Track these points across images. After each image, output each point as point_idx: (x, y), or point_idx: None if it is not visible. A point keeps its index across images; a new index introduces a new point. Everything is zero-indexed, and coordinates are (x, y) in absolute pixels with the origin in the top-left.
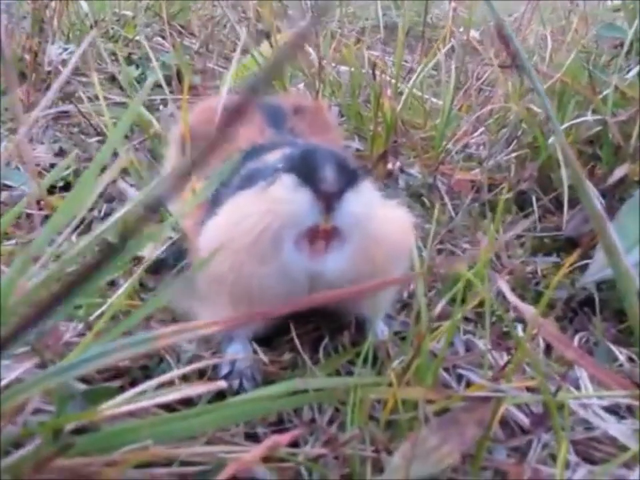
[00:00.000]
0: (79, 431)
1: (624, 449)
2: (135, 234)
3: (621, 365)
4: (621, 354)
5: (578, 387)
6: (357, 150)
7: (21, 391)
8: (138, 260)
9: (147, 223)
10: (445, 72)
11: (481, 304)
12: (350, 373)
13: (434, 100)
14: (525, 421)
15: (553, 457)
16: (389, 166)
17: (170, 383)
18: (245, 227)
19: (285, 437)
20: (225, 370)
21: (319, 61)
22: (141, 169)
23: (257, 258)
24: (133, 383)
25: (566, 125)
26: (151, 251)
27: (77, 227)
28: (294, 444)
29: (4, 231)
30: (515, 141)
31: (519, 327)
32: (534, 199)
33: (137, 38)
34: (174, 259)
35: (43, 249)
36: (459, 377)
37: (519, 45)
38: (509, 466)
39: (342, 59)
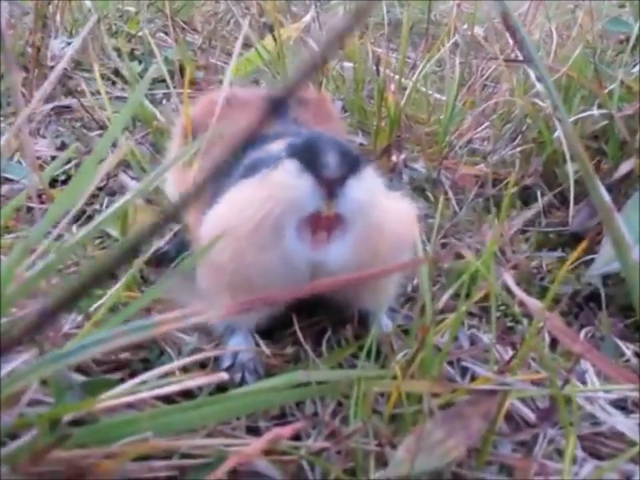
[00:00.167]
0: (77, 423)
1: (631, 444)
2: (151, 238)
3: (627, 360)
4: (628, 349)
5: (584, 382)
6: (361, 144)
7: (18, 378)
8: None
9: (164, 229)
10: (450, 67)
11: (486, 298)
12: (353, 367)
13: (438, 96)
14: (530, 415)
15: (559, 452)
16: (393, 160)
17: (170, 375)
18: (246, 214)
19: (287, 430)
20: (226, 362)
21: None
22: (143, 162)
23: (258, 246)
24: (133, 376)
25: (571, 119)
26: (149, 244)
27: (78, 219)
28: (296, 438)
29: (4, 224)
30: (519, 136)
31: (525, 322)
32: (539, 193)
33: (140, 34)
34: (176, 252)
35: (40, 239)
36: (464, 371)
37: (525, 34)
38: (514, 461)
39: (346, 55)
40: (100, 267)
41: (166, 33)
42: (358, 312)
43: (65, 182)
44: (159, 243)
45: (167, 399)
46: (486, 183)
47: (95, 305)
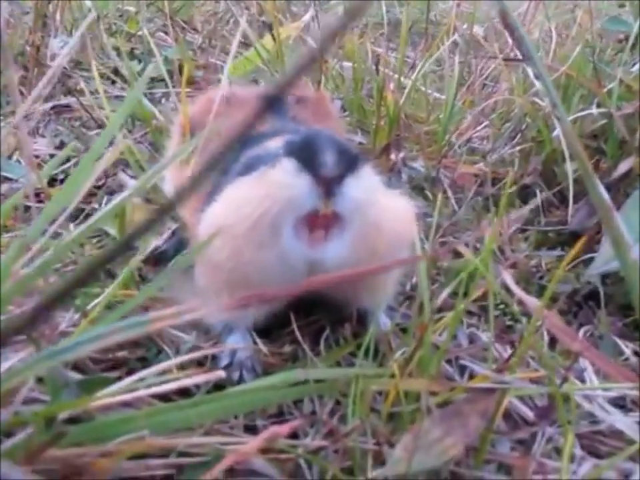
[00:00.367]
0: (72, 421)
1: (630, 442)
2: (144, 235)
3: (626, 359)
4: (627, 348)
5: (583, 380)
6: (360, 143)
7: (13, 374)
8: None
9: (157, 224)
10: (449, 67)
11: (485, 297)
12: (351, 365)
13: (437, 95)
14: (529, 414)
15: (558, 451)
16: (392, 159)
17: (168, 373)
18: (243, 212)
19: (284, 428)
20: (224, 361)
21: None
22: (141, 160)
23: (256, 244)
24: (130, 374)
25: (571, 117)
26: (146, 242)
27: (77, 218)
28: (294, 436)
29: (3, 223)
30: (518, 135)
31: (524, 321)
32: (538, 192)
33: (140, 33)
34: (174, 251)
35: (37, 237)
36: (462, 369)
37: (523, 32)
38: (513, 459)
39: (345, 55)
40: (94, 261)
41: (166, 33)
42: (356, 311)
43: (63, 181)
44: (157, 242)
45: (164, 398)
46: (485, 181)
47: (92, 304)
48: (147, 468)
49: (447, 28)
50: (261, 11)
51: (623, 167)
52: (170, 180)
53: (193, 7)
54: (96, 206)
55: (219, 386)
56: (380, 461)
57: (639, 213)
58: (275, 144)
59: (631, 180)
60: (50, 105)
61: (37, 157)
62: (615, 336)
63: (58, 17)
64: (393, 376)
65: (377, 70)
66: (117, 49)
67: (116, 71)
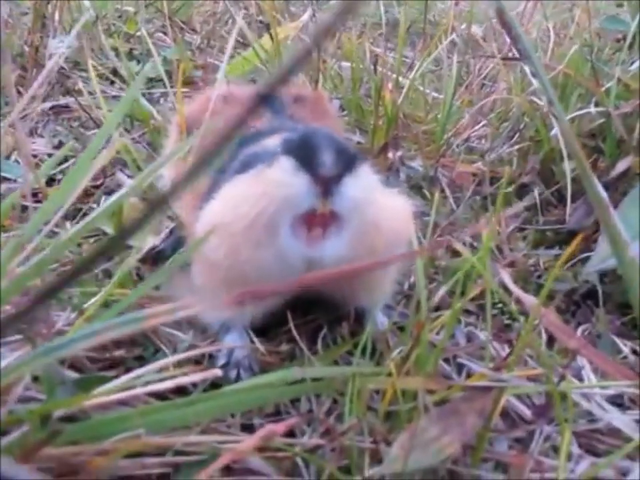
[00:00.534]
0: (68, 420)
1: (628, 440)
2: (137, 230)
3: (625, 357)
4: (625, 346)
5: (581, 379)
6: (358, 143)
7: (9, 371)
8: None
9: (150, 220)
10: (447, 66)
11: (483, 296)
12: (349, 364)
13: (435, 94)
14: (526, 412)
15: (556, 449)
16: (390, 158)
17: (164, 371)
18: (241, 211)
19: (280, 426)
20: (221, 360)
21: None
22: (139, 160)
23: (253, 242)
24: (127, 374)
25: (569, 116)
26: (142, 241)
27: (75, 217)
28: (291, 435)
29: (1, 222)
30: (517, 134)
31: (522, 320)
32: (536, 191)
33: (139, 33)
34: (172, 250)
35: (33, 235)
36: (460, 368)
37: (520, 30)
38: (510, 457)
39: (344, 55)
40: (88, 256)
41: (164, 33)
42: (354, 310)
43: (61, 181)
44: (155, 241)
45: (161, 396)
46: (483, 181)
47: (89, 303)
48: (143, 466)
49: (445, 28)
50: (259, 11)
51: (621, 165)
52: (168, 178)
53: (192, 8)
54: (94, 206)
55: (215, 385)
56: (377, 459)
57: (638, 210)
58: (273, 142)
59: (629, 179)
60: (48, 105)
61: (35, 156)
62: (613, 334)
63: (57, 17)
64: (390, 374)
65: (375, 70)
66: (115, 50)
67: (115, 72)
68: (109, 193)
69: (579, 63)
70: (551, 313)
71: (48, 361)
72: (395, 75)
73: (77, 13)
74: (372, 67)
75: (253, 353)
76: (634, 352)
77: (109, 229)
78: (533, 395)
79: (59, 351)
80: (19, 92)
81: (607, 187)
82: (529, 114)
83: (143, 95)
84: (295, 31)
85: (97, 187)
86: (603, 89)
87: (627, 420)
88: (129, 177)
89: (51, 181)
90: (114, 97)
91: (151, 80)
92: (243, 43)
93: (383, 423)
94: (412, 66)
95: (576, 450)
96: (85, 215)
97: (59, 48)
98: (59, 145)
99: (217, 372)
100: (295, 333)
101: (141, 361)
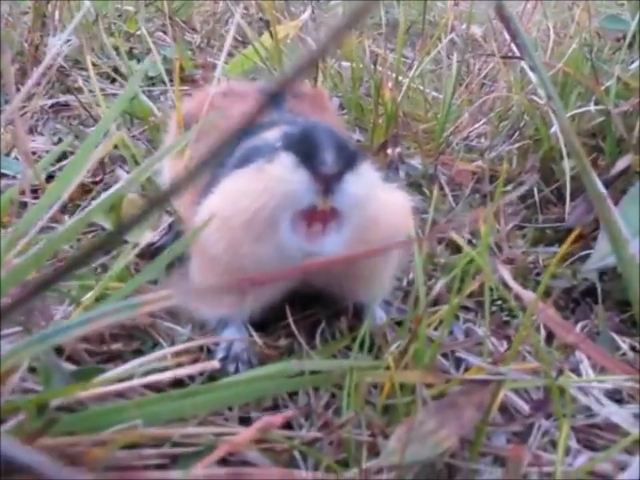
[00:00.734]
0: (65, 411)
1: (625, 434)
2: (135, 225)
3: (624, 354)
4: (624, 343)
5: (579, 374)
6: (358, 141)
7: (5, 358)
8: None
9: (148, 216)
10: (447, 65)
11: (481, 293)
12: (347, 359)
13: (435, 94)
14: (524, 407)
15: (554, 444)
16: (389, 154)
17: (162, 360)
18: (240, 205)
19: (277, 418)
20: (220, 354)
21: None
22: (138, 156)
23: (253, 237)
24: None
25: (568, 114)
26: (139, 236)
27: (73, 213)
28: (289, 428)
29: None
30: (516, 133)
31: (520, 316)
32: (535, 190)
33: (139, 33)
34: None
35: (29, 229)
36: (458, 363)
37: (519, 24)
38: (508, 451)
39: (344, 54)
40: (85, 249)
41: (164, 32)
42: (352, 305)
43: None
44: (153, 237)
45: (158, 389)
46: (483, 179)
47: (87, 296)
48: (140, 457)
49: (445, 23)
50: (259, 10)
51: (621, 164)
52: (167, 172)
53: (192, 7)
54: (93, 202)
55: (213, 379)
56: (375, 452)
57: (637, 208)
58: (273, 135)
59: (629, 177)
60: (48, 102)
61: (34, 153)
62: (612, 331)
63: (57, 16)
64: (388, 368)
65: (375, 69)
66: (116, 49)
67: (116, 69)
68: (108, 189)
69: (579, 62)
70: (548, 308)
71: (43, 347)
72: (394, 74)
73: (77, 12)
74: (372, 66)
75: (251, 347)
76: (633, 349)
77: (108, 225)
78: (531, 389)
79: (54, 337)
80: (18, 90)
81: (606, 185)
82: (529, 112)
83: (143, 93)
84: (295, 30)
85: (96, 184)
86: (603, 87)
87: (625, 414)
88: (128, 173)
89: (50, 178)
90: (114, 95)
91: (151, 78)
92: (242, 42)
93: (381, 417)
94: (412, 66)
95: (574, 444)
96: (84, 210)
97: (59, 47)
98: (59, 143)
99: (215, 364)
100: (293, 327)
101: (139, 354)
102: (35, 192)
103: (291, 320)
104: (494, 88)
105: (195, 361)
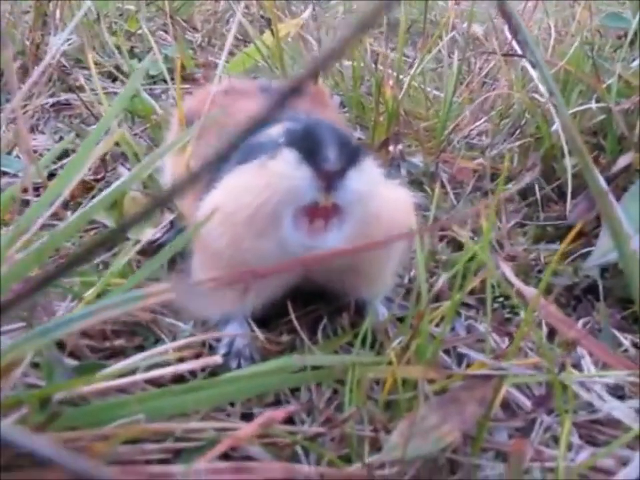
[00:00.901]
0: (68, 405)
1: (627, 430)
2: (137, 223)
3: (625, 351)
4: (626, 339)
5: (581, 370)
6: (359, 139)
7: (7, 351)
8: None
9: (153, 214)
10: (448, 64)
11: (483, 290)
12: (349, 354)
13: (436, 92)
14: (526, 403)
15: (556, 439)
16: (390, 152)
17: (164, 354)
18: (243, 201)
19: (280, 413)
20: (222, 350)
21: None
22: (140, 154)
23: (255, 232)
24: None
25: (570, 111)
26: (140, 233)
27: (75, 211)
28: (291, 423)
29: (2, 216)
30: (517, 131)
31: (522, 312)
32: (537, 187)
33: (140, 32)
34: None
35: (30, 226)
36: (460, 359)
37: (520, 20)
38: (510, 447)
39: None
40: (86, 246)
41: (166, 31)
42: (354, 301)
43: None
44: (156, 233)
45: (160, 385)
46: (484, 176)
47: (89, 292)
48: (143, 452)
49: (446, 21)
50: (260, 8)
51: (622, 161)
52: (169, 169)
53: (193, 6)
54: (94, 199)
55: (215, 374)
56: (377, 447)
57: (639, 205)
58: (276, 130)
59: (630, 175)
60: (50, 101)
61: (35, 152)
62: (613, 328)
63: (58, 15)
64: (390, 363)
65: (376, 67)
66: (117, 47)
67: (117, 68)
68: (110, 186)
69: (580, 60)
70: (550, 304)
71: (45, 341)
72: (395, 73)
73: (78, 10)
74: (373, 65)
75: (253, 343)
76: (634, 345)
77: (109, 222)
78: (533, 385)
79: (55, 331)
80: (19, 89)
81: (607, 182)
82: (530, 110)
83: (145, 91)
84: (296, 28)
85: (98, 181)
86: (604, 85)
87: (627, 410)
88: (129, 170)
89: (51, 176)
90: (115, 93)
91: (152, 77)
92: (244, 40)
93: (383, 412)
94: (413, 64)
95: (576, 440)
96: (85, 208)
97: (60, 46)
98: (60, 141)
99: (217, 359)
100: (295, 323)
101: (142, 350)
102: (37, 190)
103: (293, 316)
104: (495, 86)
105: (197, 356)
